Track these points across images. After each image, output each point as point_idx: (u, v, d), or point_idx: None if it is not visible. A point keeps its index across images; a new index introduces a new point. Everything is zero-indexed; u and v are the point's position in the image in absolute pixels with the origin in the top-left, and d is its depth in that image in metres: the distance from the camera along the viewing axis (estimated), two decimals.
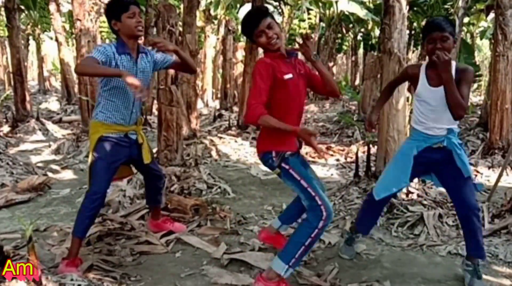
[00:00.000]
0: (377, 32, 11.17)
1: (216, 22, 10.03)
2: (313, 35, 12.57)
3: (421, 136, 1.81)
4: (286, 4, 9.99)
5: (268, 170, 2.91)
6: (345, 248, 2.10)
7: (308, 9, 11.69)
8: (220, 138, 5.15)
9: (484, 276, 1.92)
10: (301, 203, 1.94)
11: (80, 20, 4.58)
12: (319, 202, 1.63)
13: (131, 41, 1.87)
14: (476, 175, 3.68)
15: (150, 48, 2.01)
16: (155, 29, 6.73)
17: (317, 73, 1.80)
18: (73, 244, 1.85)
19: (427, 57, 1.79)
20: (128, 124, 1.95)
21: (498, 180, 2.77)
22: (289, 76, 1.65)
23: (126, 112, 1.92)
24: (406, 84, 2.93)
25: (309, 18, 12.19)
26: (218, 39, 10.09)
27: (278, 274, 1.64)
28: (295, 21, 12.16)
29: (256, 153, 1.80)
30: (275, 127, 1.55)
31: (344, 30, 12.22)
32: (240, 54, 8.28)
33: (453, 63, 1.72)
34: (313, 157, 4.46)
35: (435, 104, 1.74)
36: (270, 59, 1.65)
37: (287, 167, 1.68)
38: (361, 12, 9.20)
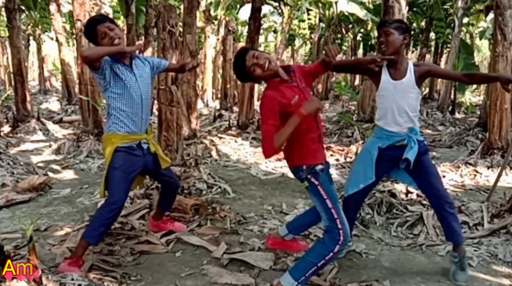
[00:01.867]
0: (376, 32, 11.16)
1: (216, 22, 10.03)
2: (312, 36, 12.59)
3: (384, 134, 1.87)
4: (286, 4, 10.00)
5: (268, 170, 2.93)
6: None
7: (308, 10, 11.71)
8: (220, 138, 5.16)
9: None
10: (311, 216, 1.96)
11: (80, 21, 4.58)
12: (339, 226, 1.62)
13: (120, 54, 1.89)
14: (475, 175, 3.69)
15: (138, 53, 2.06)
16: (155, 30, 6.75)
17: (313, 65, 1.86)
18: (80, 247, 1.86)
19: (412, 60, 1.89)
20: (140, 131, 1.98)
21: (497, 180, 2.77)
22: (296, 99, 1.62)
23: (137, 119, 1.95)
24: None
25: (309, 19, 12.21)
26: (218, 39, 10.10)
27: None
28: (295, 22, 12.17)
29: (288, 166, 1.77)
30: (290, 133, 1.54)
31: (343, 31, 12.24)
32: None
33: (410, 62, 1.85)
34: None
35: (397, 97, 1.82)
36: (273, 91, 1.62)
37: (316, 182, 1.66)
38: (361, 13, 9.21)
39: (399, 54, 1.81)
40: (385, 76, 1.85)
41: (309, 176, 1.66)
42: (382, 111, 1.87)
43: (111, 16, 11.85)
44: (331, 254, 1.61)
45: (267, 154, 1.57)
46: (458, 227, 1.88)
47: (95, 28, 1.85)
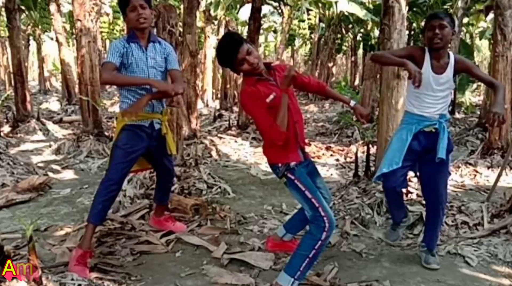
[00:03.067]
0: (376, 32, 11.17)
1: (216, 22, 10.03)
2: (312, 36, 12.59)
3: (414, 119, 1.90)
4: (286, 4, 10.00)
5: (268, 170, 2.93)
6: (390, 233, 2.16)
7: (308, 10, 11.71)
8: (220, 138, 5.16)
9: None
10: (304, 214, 1.96)
11: (80, 21, 4.58)
12: (322, 213, 1.64)
13: (138, 32, 1.95)
14: (475, 175, 3.69)
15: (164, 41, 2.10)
16: (155, 30, 6.75)
17: (311, 81, 1.91)
18: (86, 230, 1.91)
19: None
20: (152, 111, 1.98)
21: (497, 180, 2.77)
22: (272, 96, 1.63)
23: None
24: (405, 84, 2.94)
25: (309, 19, 12.22)
26: (218, 39, 10.09)
27: None
28: (295, 22, 12.17)
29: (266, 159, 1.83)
30: (285, 114, 1.58)
31: (343, 31, 12.24)
32: None
33: (451, 55, 1.86)
34: (313, 157, 4.47)
35: (436, 89, 1.84)
36: (250, 87, 1.63)
37: (292, 177, 1.70)
38: (361, 13, 9.21)
39: (445, 49, 1.83)
40: (427, 67, 1.84)
41: (285, 173, 1.70)
42: (416, 98, 1.87)
43: (111, 16, 11.87)
44: (320, 242, 1.63)
45: (281, 139, 1.60)
46: (438, 233, 1.96)
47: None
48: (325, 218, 1.64)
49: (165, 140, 2.06)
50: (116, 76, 1.88)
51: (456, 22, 7.75)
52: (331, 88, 1.97)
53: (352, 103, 1.86)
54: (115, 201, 2.38)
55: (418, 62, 1.85)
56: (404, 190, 2.75)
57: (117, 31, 12.08)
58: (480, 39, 11.86)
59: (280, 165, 1.70)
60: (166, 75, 2.09)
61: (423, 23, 9.88)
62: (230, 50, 1.64)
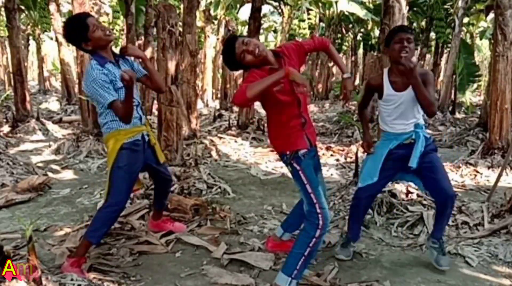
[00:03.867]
0: (377, 32, 11.17)
1: (216, 22, 10.03)
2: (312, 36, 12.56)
3: (391, 136, 1.92)
4: (286, 4, 10.00)
5: (268, 170, 2.91)
6: (341, 250, 2.11)
7: (308, 10, 11.71)
8: (220, 138, 5.15)
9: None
10: (301, 211, 1.96)
11: None
12: (318, 210, 1.65)
13: (103, 51, 1.83)
14: (475, 175, 3.68)
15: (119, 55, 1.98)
16: (155, 29, 6.75)
17: (312, 43, 1.85)
18: (82, 246, 1.86)
19: (389, 64, 1.91)
20: (141, 122, 1.97)
21: (497, 180, 2.77)
22: (280, 86, 1.63)
23: (136, 115, 1.91)
24: None
25: (309, 19, 12.21)
26: (218, 39, 10.09)
27: None
28: (295, 21, 12.16)
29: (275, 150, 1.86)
30: (265, 86, 1.52)
31: (344, 30, 12.24)
32: None
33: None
34: None
35: (403, 106, 1.86)
36: (258, 75, 1.62)
37: (298, 168, 1.70)
38: (361, 12, 9.21)
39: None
40: (387, 89, 1.87)
41: (292, 162, 1.70)
42: (386, 119, 1.92)
43: (110, 16, 11.86)
44: (314, 240, 1.64)
45: (236, 100, 1.56)
46: (445, 225, 2.00)
47: (84, 21, 1.76)
48: (319, 216, 1.64)
49: (154, 149, 2.05)
50: (124, 104, 1.77)
51: (457, 22, 7.76)
52: (334, 48, 1.91)
53: (346, 75, 1.86)
54: None
55: (377, 88, 1.90)
56: (404, 190, 2.76)
57: (116, 30, 12.07)
58: (481, 39, 11.86)
59: (288, 153, 1.70)
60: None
61: (423, 23, 9.84)
62: (228, 50, 1.66)
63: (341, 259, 2.06)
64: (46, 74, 12.91)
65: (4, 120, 5.98)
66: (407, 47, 1.77)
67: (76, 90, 7.11)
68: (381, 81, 1.90)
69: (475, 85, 8.93)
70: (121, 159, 1.86)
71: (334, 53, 1.92)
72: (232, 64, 1.70)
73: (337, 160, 4.39)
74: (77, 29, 1.78)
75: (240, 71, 8.00)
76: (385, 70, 1.91)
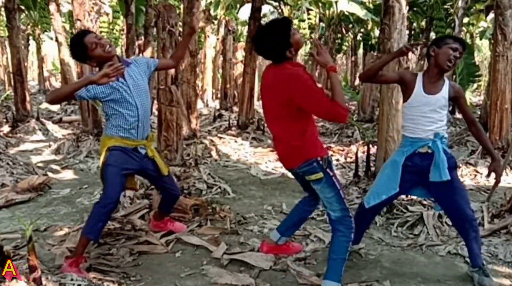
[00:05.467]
0: (376, 32, 11.16)
1: (216, 22, 10.02)
2: (312, 35, 12.57)
3: (408, 142, 1.85)
4: (286, 4, 9.99)
5: (268, 170, 2.90)
6: None
7: (308, 10, 11.70)
8: (220, 138, 5.15)
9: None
10: (300, 213, 1.98)
11: (80, 20, 4.57)
12: (350, 214, 1.70)
13: (107, 63, 1.83)
14: (475, 175, 3.68)
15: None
16: (155, 29, 6.74)
17: None
18: (80, 243, 1.88)
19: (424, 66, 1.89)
20: (136, 138, 1.95)
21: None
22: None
23: (134, 131, 1.93)
24: None
25: (309, 19, 12.20)
26: (218, 39, 10.08)
27: None
28: (295, 21, 12.15)
29: (290, 166, 1.76)
30: (341, 92, 1.59)
31: (343, 30, 12.22)
32: (240, 54, 8.27)
33: (446, 79, 1.83)
34: None
35: (428, 110, 1.81)
36: (303, 69, 1.69)
37: (331, 173, 1.66)
38: (361, 12, 9.20)
39: (444, 73, 1.81)
40: (418, 88, 1.81)
41: (326, 168, 1.65)
42: (410, 121, 1.84)
43: (110, 16, 11.86)
44: (350, 242, 1.72)
45: (346, 115, 1.57)
46: (478, 249, 1.85)
47: (81, 41, 1.81)
48: (352, 219, 1.70)
49: (155, 162, 2.04)
50: (55, 92, 1.91)
51: (457, 22, 7.75)
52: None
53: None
54: None
55: (408, 84, 1.84)
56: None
57: (116, 31, 12.07)
58: (481, 39, 11.86)
59: (319, 159, 1.64)
60: (149, 84, 2.05)
61: (423, 23, 9.80)
62: (287, 27, 1.61)
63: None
64: (46, 74, 12.90)
65: (4, 120, 5.98)
66: (456, 59, 1.75)
67: None
68: (414, 79, 1.83)
69: (475, 85, 8.94)
70: (110, 158, 1.91)
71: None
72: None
73: (337, 160, 4.39)
74: (78, 50, 1.85)
75: (240, 71, 8.01)
76: (420, 73, 1.85)
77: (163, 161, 2.14)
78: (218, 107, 8.49)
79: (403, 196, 2.75)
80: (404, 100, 1.87)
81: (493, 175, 1.88)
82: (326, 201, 1.71)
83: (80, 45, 1.82)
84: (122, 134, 1.92)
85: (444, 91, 1.81)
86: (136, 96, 1.91)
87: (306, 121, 1.67)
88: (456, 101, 1.89)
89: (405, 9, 2.86)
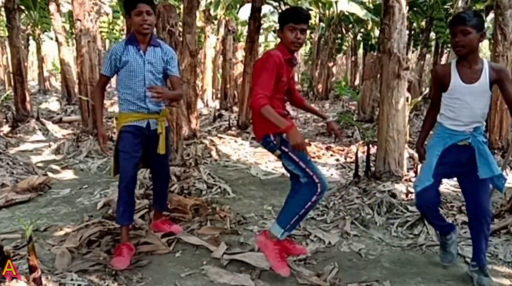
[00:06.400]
0: (376, 32, 11.16)
1: (216, 22, 10.02)
2: (312, 36, 12.57)
3: (446, 133, 1.77)
4: (286, 4, 9.99)
5: (268, 170, 2.90)
6: (443, 254, 2.01)
7: (308, 10, 11.67)
8: (220, 138, 5.15)
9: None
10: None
11: (80, 20, 4.58)
12: (316, 180, 1.79)
13: (139, 36, 1.98)
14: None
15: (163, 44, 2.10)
16: (155, 29, 6.73)
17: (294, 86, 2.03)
18: (121, 231, 2.03)
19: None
20: (147, 111, 2.01)
21: None
22: (285, 79, 1.84)
23: (139, 101, 1.99)
24: (405, 84, 2.94)
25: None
26: (218, 39, 10.08)
27: (276, 236, 1.84)
28: None
29: (257, 138, 1.93)
30: (271, 120, 1.69)
31: (343, 30, 12.23)
32: (240, 54, 8.28)
33: (485, 62, 1.72)
34: (313, 157, 4.46)
35: (470, 100, 1.70)
36: (281, 56, 1.77)
37: (286, 150, 1.81)
38: (361, 12, 9.20)
39: (474, 54, 1.68)
40: (455, 79, 1.71)
41: (280, 146, 1.81)
42: (450, 112, 1.75)
43: (110, 16, 11.86)
44: (310, 203, 1.79)
45: (252, 107, 1.72)
46: (485, 249, 1.81)
47: (136, 2, 1.90)
48: (318, 184, 1.78)
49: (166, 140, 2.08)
50: (95, 98, 2.12)
51: None
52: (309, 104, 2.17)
53: (329, 119, 2.07)
54: (114, 201, 2.39)
55: (445, 78, 1.74)
56: (404, 190, 2.75)
57: (116, 31, 12.05)
58: None
59: (272, 135, 1.80)
60: (165, 79, 2.11)
61: (423, 23, 9.84)
62: (293, 14, 1.79)
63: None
64: (46, 74, 12.89)
65: (4, 120, 5.98)
66: (460, 41, 1.64)
67: (76, 90, 7.09)
68: (448, 69, 1.74)
69: None
70: (121, 143, 1.99)
71: (310, 107, 2.19)
72: (282, 21, 1.80)
73: (337, 160, 4.39)
74: (128, 4, 1.95)
75: (240, 71, 8.01)
76: (453, 61, 1.75)
77: (168, 142, 2.15)
78: (218, 107, 8.49)
79: (403, 196, 2.75)
80: (444, 90, 1.77)
81: None
82: (292, 170, 1.84)
83: (132, 3, 1.91)
84: (132, 107, 2.00)
85: (484, 78, 1.68)
86: (147, 72, 1.98)
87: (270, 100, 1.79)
88: (498, 83, 1.71)
89: (405, 9, 2.86)
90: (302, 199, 1.80)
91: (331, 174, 3.85)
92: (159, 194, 2.29)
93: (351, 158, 4.34)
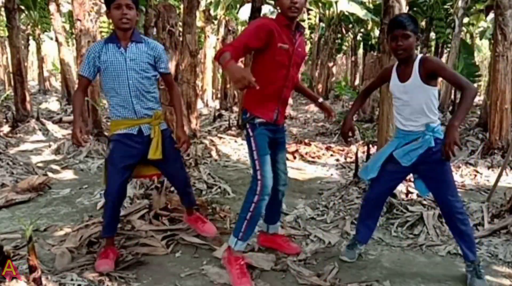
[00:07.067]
0: (376, 32, 11.17)
1: (216, 22, 10.02)
2: (312, 36, 12.57)
3: (400, 133, 1.87)
4: None
5: None
6: (347, 251, 2.08)
7: (308, 10, 11.70)
8: (220, 138, 5.15)
9: None
10: (274, 200, 1.98)
11: (80, 20, 4.58)
12: (258, 177, 1.74)
13: (119, 32, 1.83)
14: (475, 175, 3.68)
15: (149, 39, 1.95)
16: (155, 29, 6.74)
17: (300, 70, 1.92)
18: (104, 244, 1.98)
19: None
20: (136, 116, 1.88)
21: (497, 180, 2.77)
22: (285, 46, 1.71)
23: (126, 104, 1.87)
24: None
25: (309, 19, 12.22)
26: (218, 39, 10.09)
27: (232, 247, 1.82)
28: None
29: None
30: (226, 67, 1.49)
31: (343, 30, 12.23)
32: None
33: (417, 58, 1.75)
34: (313, 157, 4.46)
35: (407, 99, 1.78)
36: (274, 24, 1.68)
37: (250, 133, 1.78)
38: (361, 12, 9.21)
39: (411, 56, 1.75)
40: (393, 79, 1.83)
41: (247, 125, 1.78)
42: (396, 113, 1.86)
43: None
44: (253, 204, 1.75)
45: (216, 57, 1.56)
46: (468, 244, 1.81)
47: None
48: (259, 182, 1.73)
49: (163, 145, 1.93)
50: (75, 102, 1.93)
51: (457, 22, 7.76)
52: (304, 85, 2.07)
53: (321, 99, 2.02)
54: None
55: (387, 77, 1.87)
56: (404, 190, 2.75)
57: None
58: (481, 39, 11.86)
59: (248, 113, 1.78)
60: (153, 78, 1.93)
61: (423, 23, 9.85)
62: None
63: (344, 260, 2.04)
64: (46, 74, 12.90)
65: (4, 120, 5.98)
66: (402, 45, 1.70)
67: None
68: (390, 70, 1.86)
69: (475, 85, 8.92)
70: (110, 151, 1.91)
71: (303, 88, 2.07)
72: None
73: (337, 160, 4.39)
74: None
75: None
76: (397, 63, 1.84)
77: (171, 143, 2.00)
78: (218, 107, 8.49)
79: (403, 196, 2.75)
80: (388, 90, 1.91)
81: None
82: (249, 157, 1.81)
83: None
84: (119, 113, 1.88)
85: (414, 75, 1.73)
86: (130, 71, 1.82)
87: (263, 75, 1.68)
88: (435, 73, 1.71)
89: (405, 9, 2.87)
90: (247, 202, 1.76)
91: (331, 174, 3.85)
92: (184, 196, 2.19)
93: (351, 158, 4.33)
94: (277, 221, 2.13)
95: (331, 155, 4.58)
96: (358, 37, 12.50)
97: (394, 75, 1.83)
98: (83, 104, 2.01)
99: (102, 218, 1.97)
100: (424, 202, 2.64)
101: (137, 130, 1.91)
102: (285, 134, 1.99)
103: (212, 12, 9.39)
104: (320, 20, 11.80)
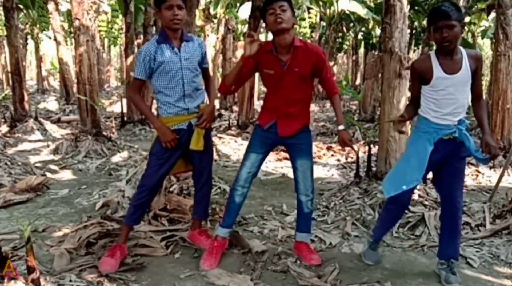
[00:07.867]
0: (378, 31, 11.16)
1: (215, 21, 10.00)
2: (313, 34, 12.55)
3: (432, 127, 1.72)
4: None
5: (268, 170, 2.85)
6: (369, 254, 2.03)
7: (309, 8, 11.68)
8: (220, 138, 5.13)
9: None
10: (298, 209, 2.04)
11: (78, 19, 4.55)
12: (239, 169, 1.97)
13: (170, 31, 1.86)
14: (477, 175, 3.67)
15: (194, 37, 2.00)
16: (154, 28, 6.71)
17: (326, 78, 1.93)
18: (122, 232, 2.01)
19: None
20: (188, 112, 1.92)
21: (499, 181, 2.75)
22: (270, 71, 1.86)
23: (178, 102, 1.89)
24: (407, 84, 2.91)
25: (310, 17, 12.19)
26: (217, 38, 10.07)
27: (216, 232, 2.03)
28: None
29: None
30: (235, 73, 1.87)
31: (344, 29, 12.21)
32: (240, 53, 8.25)
33: (463, 50, 1.69)
34: (314, 157, 4.43)
35: (454, 91, 1.67)
36: (261, 51, 1.80)
37: (251, 133, 2.04)
38: (362, 11, 9.19)
39: (456, 47, 1.65)
40: (437, 71, 1.67)
41: (254, 125, 2.06)
42: (434, 106, 1.70)
43: (109, 15, 11.84)
44: (232, 192, 1.99)
45: (220, 90, 1.98)
46: (452, 242, 1.81)
47: None
48: (238, 174, 1.97)
49: (205, 138, 1.94)
50: (138, 103, 2.00)
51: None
52: (338, 100, 1.96)
53: (341, 127, 1.90)
54: (114, 202, 2.34)
55: (426, 72, 1.70)
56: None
57: (115, 29, 12.03)
58: (482, 38, 11.85)
59: (256, 119, 2.10)
60: (200, 74, 1.98)
61: (425, 22, 9.85)
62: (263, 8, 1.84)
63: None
64: (44, 73, 12.86)
65: (2, 120, 5.96)
66: (448, 36, 1.59)
67: (75, 89, 7.08)
68: (428, 62, 1.69)
69: None
70: (155, 146, 1.94)
71: (336, 104, 1.95)
72: (262, 10, 1.87)
73: (338, 160, 4.38)
74: None
75: None
76: (432, 53, 1.70)
77: (209, 140, 2.02)
78: (218, 107, 8.47)
79: None
80: (426, 83, 1.71)
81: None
82: None
83: None
84: (171, 111, 1.90)
85: (465, 67, 1.66)
86: (185, 70, 1.88)
87: (267, 90, 1.96)
88: (477, 73, 1.68)
89: (406, 8, 2.84)
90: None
91: (332, 175, 3.83)
92: (202, 201, 2.12)
93: (352, 158, 4.32)
94: (303, 231, 2.04)
95: (332, 155, 4.56)
96: (359, 36, 12.50)
97: (437, 67, 1.67)
98: (144, 100, 2.08)
99: (130, 205, 2.00)
100: (426, 203, 2.62)
101: (187, 124, 1.95)
102: (305, 142, 1.94)
103: (211, 11, 9.36)
104: (321, 19, 11.78)
